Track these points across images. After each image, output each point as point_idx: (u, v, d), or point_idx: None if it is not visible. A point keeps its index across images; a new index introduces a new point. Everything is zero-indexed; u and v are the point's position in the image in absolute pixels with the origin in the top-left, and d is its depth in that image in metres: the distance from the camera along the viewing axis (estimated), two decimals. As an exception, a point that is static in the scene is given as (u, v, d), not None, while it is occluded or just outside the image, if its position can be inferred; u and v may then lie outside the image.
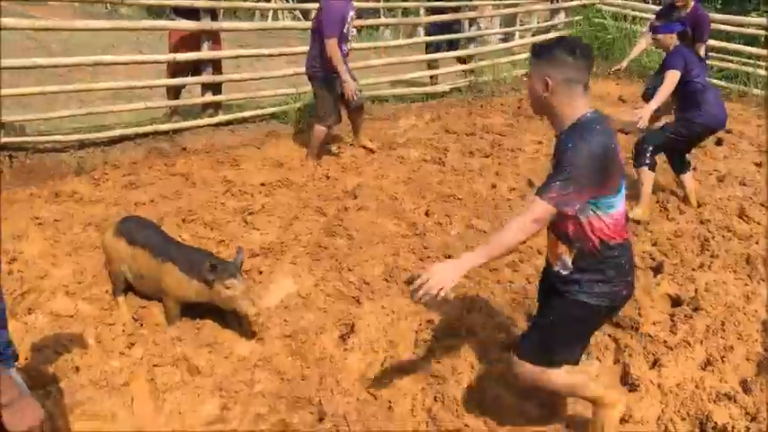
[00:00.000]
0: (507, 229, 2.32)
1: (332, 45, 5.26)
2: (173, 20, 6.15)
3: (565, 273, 2.52)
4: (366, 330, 3.59)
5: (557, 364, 2.59)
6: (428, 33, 8.30)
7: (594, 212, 2.38)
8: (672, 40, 4.86)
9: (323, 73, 5.50)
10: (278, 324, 3.65)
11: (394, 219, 4.92)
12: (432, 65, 8.23)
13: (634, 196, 4.98)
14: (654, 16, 4.98)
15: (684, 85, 4.87)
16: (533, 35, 10.24)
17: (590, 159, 2.26)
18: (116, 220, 4.02)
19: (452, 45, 8.35)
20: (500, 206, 5.29)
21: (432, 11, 8.01)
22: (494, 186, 5.62)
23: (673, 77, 4.78)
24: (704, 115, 4.98)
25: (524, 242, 2.42)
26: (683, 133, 5.04)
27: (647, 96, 6.03)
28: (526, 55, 9.15)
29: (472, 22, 8.67)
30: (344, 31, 5.38)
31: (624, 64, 6.47)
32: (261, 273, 4.20)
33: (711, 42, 8.69)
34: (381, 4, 7.71)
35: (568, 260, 2.49)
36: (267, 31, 9.39)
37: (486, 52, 8.97)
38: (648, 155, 5.03)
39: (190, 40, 6.10)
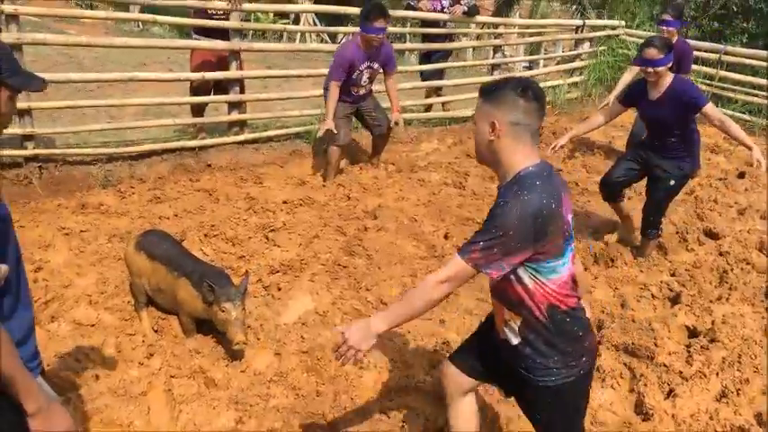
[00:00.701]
0: (418, 289, 2.19)
1: (331, 87, 5.56)
2: (194, 39, 6.29)
3: (515, 342, 2.28)
4: (382, 350, 3.62)
5: None
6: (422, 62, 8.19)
7: (536, 278, 2.15)
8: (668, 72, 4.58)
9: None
10: (295, 340, 3.69)
11: (413, 240, 4.96)
12: (438, 93, 8.25)
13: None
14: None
15: (691, 124, 4.69)
16: (557, 64, 10.29)
17: (521, 220, 2.02)
18: (137, 233, 4.11)
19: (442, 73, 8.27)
20: (519, 232, 5.31)
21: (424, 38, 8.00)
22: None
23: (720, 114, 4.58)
24: (696, 160, 4.95)
25: (440, 302, 2.21)
26: (680, 187, 4.85)
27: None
28: (549, 83, 9.23)
29: (496, 49, 8.74)
30: (353, 76, 5.59)
31: (611, 98, 6.44)
32: (280, 289, 4.26)
33: (736, 76, 8.73)
34: (408, 30, 7.78)
35: (515, 328, 2.26)
36: (294, 52, 9.53)
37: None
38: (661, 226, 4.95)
39: (211, 60, 6.23)
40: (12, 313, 1.86)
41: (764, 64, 8.42)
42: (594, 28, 9.63)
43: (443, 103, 8.22)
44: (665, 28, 6.26)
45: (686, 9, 24.41)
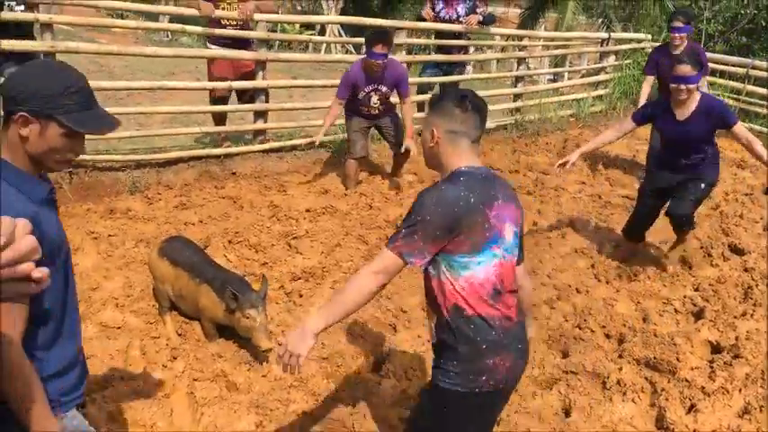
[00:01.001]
0: (349, 283, 2.18)
1: (332, 103, 5.74)
2: (209, 48, 6.38)
3: (433, 342, 2.31)
4: (401, 358, 3.65)
5: None
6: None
7: (447, 272, 2.16)
8: None
9: (347, 111, 5.89)
10: (315, 347, 3.71)
11: (434, 251, 4.98)
12: None
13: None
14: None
15: (714, 139, 4.62)
16: (582, 76, 10.27)
17: (438, 207, 2.09)
18: (161, 240, 4.18)
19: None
20: (540, 243, 5.32)
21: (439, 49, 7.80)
22: (534, 224, 5.65)
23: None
24: (718, 170, 4.79)
25: (376, 293, 2.20)
26: (707, 194, 4.80)
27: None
28: (574, 96, 9.21)
29: (520, 61, 8.74)
30: (359, 97, 5.68)
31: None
32: (301, 296, 4.30)
33: (764, 91, 8.64)
34: (432, 41, 7.81)
35: (433, 327, 2.28)
36: (320, 63, 9.64)
37: (534, 92, 9.04)
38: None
39: (230, 70, 6.29)
40: (52, 343, 1.80)
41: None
42: (620, 41, 9.61)
43: None
44: (677, 35, 6.28)
45: (714, 24, 24.34)
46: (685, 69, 4.33)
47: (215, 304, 3.61)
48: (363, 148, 5.92)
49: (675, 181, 4.66)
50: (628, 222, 5.07)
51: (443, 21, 7.34)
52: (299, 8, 20.88)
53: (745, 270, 4.85)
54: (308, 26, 17.32)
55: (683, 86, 4.35)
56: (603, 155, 7.19)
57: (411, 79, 6.96)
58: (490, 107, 7.36)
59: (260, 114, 6.60)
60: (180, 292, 3.80)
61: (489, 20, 7.63)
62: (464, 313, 2.16)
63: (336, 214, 5.46)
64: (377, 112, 5.83)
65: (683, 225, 4.80)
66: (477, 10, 7.37)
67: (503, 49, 9.01)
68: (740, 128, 4.46)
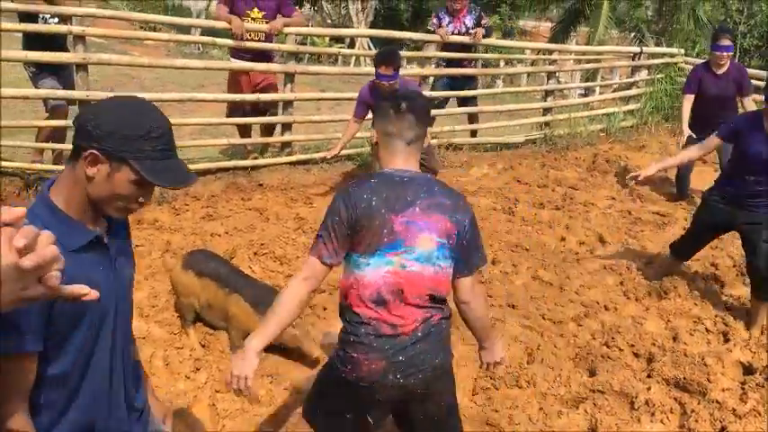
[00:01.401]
0: (281, 295, 2.25)
1: (349, 122, 5.84)
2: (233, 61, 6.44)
3: None
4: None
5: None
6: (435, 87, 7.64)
7: (346, 266, 2.26)
8: None
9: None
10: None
11: (460, 265, 4.93)
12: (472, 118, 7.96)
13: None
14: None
15: None
16: (614, 91, 10.15)
17: (339, 208, 2.19)
18: (183, 254, 4.19)
19: (465, 101, 7.82)
20: (567, 259, 5.24)
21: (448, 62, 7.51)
22: (563, 239, 5.58)
23: None
24: None
25: (309, 300, 2.28)
26: None
27: None
28: (604, 110, 9.11)
29: (550, 75, 8.68)
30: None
31: (685, 134, 6.16)
32: (325, 309, 4.28)
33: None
34: (444, 54, 7.76)
35: None
36: (348, 75, 9.67)
37: (564, 106, 8.97)
38: None
39: (245, 83, 6.34)
40: (59, 413, 1.57)
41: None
42: (653, 55, 9.50)
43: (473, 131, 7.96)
44: (724, 53, 6.08)
45: (750, 38, 24.00)
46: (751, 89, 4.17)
47: (248, 314, 3.60)
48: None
49: (744, 217, 4.24)
50: (679, 245, 4.79)
51: (453, 35, 7.22)
52: (328, 21, 21.07)
53: (780, 289, 4.71)
54: (337, 39, 17.46)
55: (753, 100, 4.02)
56: (634, 170, 7.08)
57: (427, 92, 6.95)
58: (521, 120, 7.29)
59: (286, 127, 6.64)
60: (207, 302, 3.81)
61: (489, 32, 7.59)
62: (347, 306, 2.24)
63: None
64: None
65: (760, 288, 4.29)
66: (483, 22, 7.31)
67: (533, 63, 8.97)
68: None
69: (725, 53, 6.06)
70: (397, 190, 2.18)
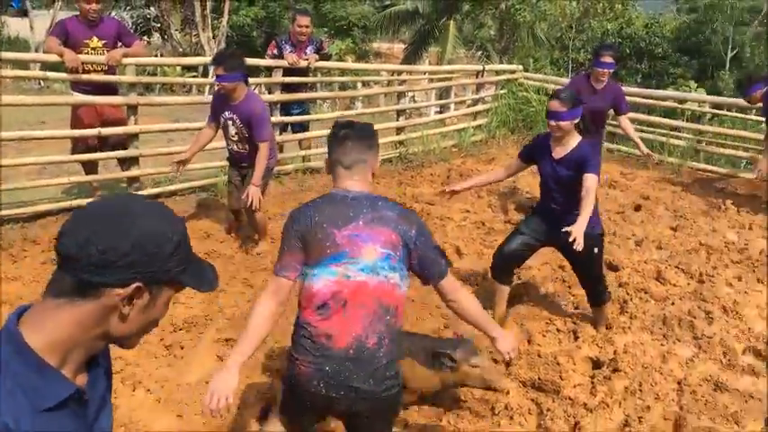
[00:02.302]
0: (250, 314, 2.43)
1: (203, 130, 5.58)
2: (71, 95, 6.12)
3: None
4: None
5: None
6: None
7: (301, 276, 2.43)
8: None
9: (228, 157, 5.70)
10: (198, 400, 3.53)
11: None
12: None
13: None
14: None
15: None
16: (468, 107, 10.55)
17: (292, 224, 2.42)
18: None
19: (300, 126, 7.68)
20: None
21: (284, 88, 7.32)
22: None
23: None
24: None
25: (275, 316, 2.43)
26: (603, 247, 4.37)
27: None
28: (456, 126, 9.47)
29: (401, 95, 8.90)
30: (221, 122, 5.30)
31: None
32: (182, 347, 4.10)
33: (631, 115, 9.20)
34: (318, 78, 7.83)
35: None
36: (204, 105, 9.42)
37: (417, 124, 9.23)
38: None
39: (92, 117, 6.03)
40: None
41: (640, 101, 9.00)
42: (498, 72, 10.01)
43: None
44: (606, 70, 6.16)
45: (584, 53, 25.85)
46: (555, 105, 4.02)
47: (427, 375, 3.38)
48: (237, 200, 5.43)
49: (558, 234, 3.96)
50: (499, 248, 4.59)
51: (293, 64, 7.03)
52: (179, 50, 20.55)
53: (620, 285, 5.06)
54: (188, 68, 17.05)
55: (552, 123, 4.05)
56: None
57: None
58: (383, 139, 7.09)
59: (133, 161, 6.34)
60: None
61: (326, 57, 7.62)
62: (299, 311, 2.42)
63: (219, 258, 5.29)
64: (237, 148, 5.38)
65: (595, 296, 4.45)
66: (322, 51, 7.35)
67: (388, 84, 9.17)
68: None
69: (606, 70, 6.18)
70: (339, 207, 2.38)
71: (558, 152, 4.13)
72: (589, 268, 4.31)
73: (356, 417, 2.44)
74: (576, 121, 4.04)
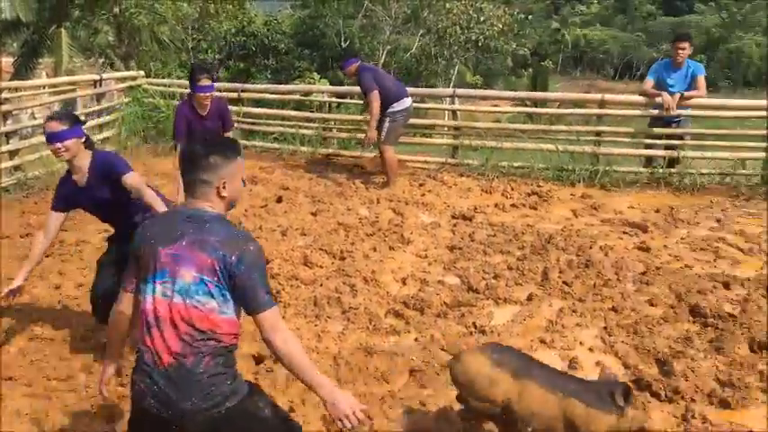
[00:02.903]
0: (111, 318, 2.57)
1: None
2: None
3: None
4: None
5: None
6: None
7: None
8: None
9: None
10: None
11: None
12: None
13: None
14: None
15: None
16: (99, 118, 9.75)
17: (133, 239, 2.45)
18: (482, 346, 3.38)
19: None
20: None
21: None
22: (58, 287, 5.13)
23: None
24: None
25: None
26: None
27: None
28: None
29: (6, 115, 7.79)
30: None
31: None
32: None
33: (258, 110, 9.48)
34: None
35: None
36: None
37: (36, 144, 8.27)
38: None
39: None
40: None
41: (273, 96, 9.43)
42: (121, 80, 9.47)
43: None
44: (207, 94, 5.93)
45: (212, 53, 26.08)
46: (53, 125, 3.65)
47: (597, 417, 2.83)
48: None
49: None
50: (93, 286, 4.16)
51: None
52: None
53: (272, 277, 5.13)
54: None
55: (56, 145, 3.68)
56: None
57: None
58: None
59: None
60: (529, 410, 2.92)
61: None
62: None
63: None
64: None
65: None
66: None
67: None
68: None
69: (207, 93, 5.94)
70: (170, 225, 2.35)
71: (80, 178, 3.81)
72: None
73: None
74: (82, 139, 3.74)
